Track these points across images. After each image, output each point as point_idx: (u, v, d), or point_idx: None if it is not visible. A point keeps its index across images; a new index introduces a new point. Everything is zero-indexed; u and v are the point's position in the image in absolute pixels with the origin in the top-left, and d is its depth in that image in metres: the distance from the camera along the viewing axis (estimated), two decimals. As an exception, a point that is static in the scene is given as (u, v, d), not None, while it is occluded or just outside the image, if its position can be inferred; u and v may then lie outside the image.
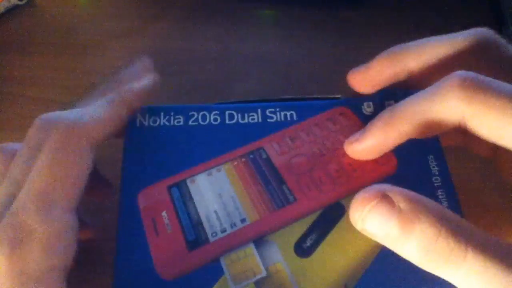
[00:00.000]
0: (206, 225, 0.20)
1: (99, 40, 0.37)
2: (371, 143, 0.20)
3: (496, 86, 0.17)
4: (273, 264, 0.19)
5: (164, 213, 0.21)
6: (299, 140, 0.22)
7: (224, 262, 0.19)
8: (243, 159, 0.22)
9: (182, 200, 0.21)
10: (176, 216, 0.20)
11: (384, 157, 0.21)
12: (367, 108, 0.23)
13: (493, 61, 0.21)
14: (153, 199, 0.21)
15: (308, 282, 0.19)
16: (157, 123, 0.23)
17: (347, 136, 0.21)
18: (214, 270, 0.19)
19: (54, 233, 0.17)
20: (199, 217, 0.20)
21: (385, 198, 0.17)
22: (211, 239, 0.20)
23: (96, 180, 0.24)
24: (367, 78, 0.21)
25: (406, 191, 0.17)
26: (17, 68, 0.36)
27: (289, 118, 0.23)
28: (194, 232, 0.20)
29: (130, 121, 0.22)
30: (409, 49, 0.20)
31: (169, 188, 0.21)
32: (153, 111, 0.23)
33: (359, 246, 0.19)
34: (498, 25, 0.37)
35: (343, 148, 0.22)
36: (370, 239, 0.18)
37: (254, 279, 0.19)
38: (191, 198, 0.21)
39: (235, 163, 0.22)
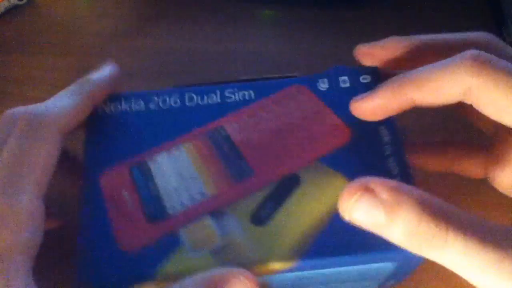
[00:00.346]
0: (165, 200, 0.21)
1: (99, 40, 0.37)
2: (377, 103, 0.21)
3: (506, 65, 0.18)
4: (230, 233, 0.20)
5: (125, 192, 0.21)
6: (258, 117, 0.23)
7: (182, 233, 0.20)
8: (202, 138, 0.23)
9: (143, 179, 0.22)
10: (137, 194, 0.21)
11: (338, 129, 0.22)
12: (322, 85, 0.24)
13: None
14: (114, 179, 0.22)
15: (264, 250, 0.20)
16: (118, 109, 0.23)
17: (303, 112, 0.23)
18: (173, 241, 0.20)
19: (19, 217, 0.18)
20: (159, 193, 0.21)
21: (367, 190, 0.18)
22: (170, 212, 0.21)
23: (72, 168, 0.25)
24: (371, 110, 0.22)
25: (387, 181, 0.18)
26: (17, 68, 0.36)
27: (247, 98, 0.24)
28: (153, 207, 0.21)
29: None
30: (413, 81, 0.19)
31: (131, 168, 0.22)
32: (114, 98, 0.24)
33: (313, 214, 0.21)
34: (498, 25, 0.37)
35: (299, 124, 0.23)
36: (323, 208, 0.20)
37: (211, 248, 0.20)
38: (151, 177, 0.22)
39: (195, 142, 0.23)
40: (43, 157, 0.20)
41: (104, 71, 0.24)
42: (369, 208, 0.18)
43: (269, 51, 0.37)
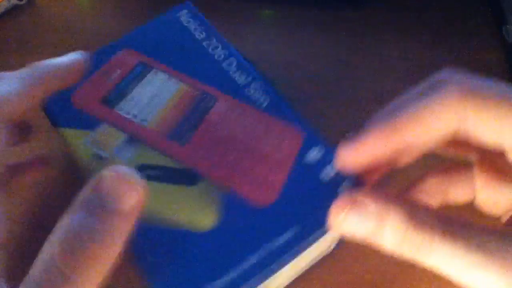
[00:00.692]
0: (126, 100, 0.24)
1: (99, 40, 0.37)
2: (369, 151, 0.20)
3: (493, 87, 0.18)
4: (124, 157, 0.23)
5: (117, 71, 0.25)
6: (241, 120, 0.24)
7: (101, 126, 0.23)
8: (194, 91, 0.24)
9: (136, 76, 0.25)
10: (120, 80, 0.25)
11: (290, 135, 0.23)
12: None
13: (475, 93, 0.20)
14: (125, 57, 0.26)
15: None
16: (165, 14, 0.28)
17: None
18: (94, 124, 0.23)
19: None
20: (129, 93, 0.24)
21: (355, 203, 0.18)
22: (118, 109, 0.24)
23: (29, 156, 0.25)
24: (362, 160, 0.20)
25: (374, 193, 0.19)
26: (17, 68, 0.36)
27: (262, 100, 0.24)
28: (115, 97, 0.24)
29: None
30: (406, 122, 0.19)
31: (138, 62, 0.25)
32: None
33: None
34: (498, 25, 0.37)
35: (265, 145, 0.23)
36: None
37: (100, 153, 0.23)
38: (141, 78, 0.25)
39: (189, 88, 0.25)
40: None
41: (64, 58, 0.23)
42: (358, 221, 0.18)
43: (269, 51, 0.37)
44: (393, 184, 0.23)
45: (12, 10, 0.39)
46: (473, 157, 0.23)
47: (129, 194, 0.17)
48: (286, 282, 0.24)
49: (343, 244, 0.26)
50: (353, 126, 0.34)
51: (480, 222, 0.18)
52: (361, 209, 0.18)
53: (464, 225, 0.17)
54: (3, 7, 0.38)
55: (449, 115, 0.18)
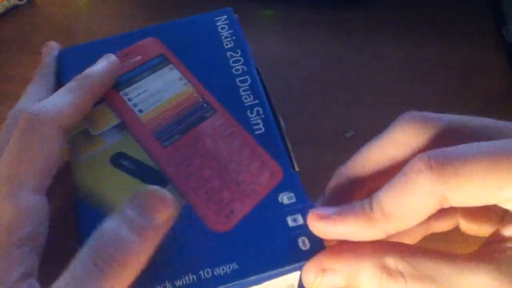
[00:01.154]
0: (133, 87, 0.25)
1: (99, 40, 0.37)
2: (341, 232, 0.19)
3: (460, 153, 0.17)
4: (111, 141, 0.23)
5: (134, 59, 0.25)
6: (228, 141, 0.23)
7: (103, 104, 0.24)
8: (198, 95, 0.24)
9: (152, 67, 0.25)
10: (135, 67, 0.25)
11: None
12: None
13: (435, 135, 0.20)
14: (148, 44, 0.26)
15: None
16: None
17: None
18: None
19: (20, 214, 0.18)
20: (140, 81, 0.25)
21: (325, 270, 0.19)
22: (121, 93, 0.24)
23: None
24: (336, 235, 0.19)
25: (341, 253, 0.19)
26: (17, 68, 0.36)
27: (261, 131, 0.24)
28: (124, 81, 0.25)
29: None
30: (385, 217, 0.18)
31: (161, 53, 0.26)
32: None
33: None
34: (498, 25, 0.37)
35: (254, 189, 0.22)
36: None
37: (92, 131, 0.23)
38: (155, 71, 0.25)
39: (194, 90, 0.25)
40: (44, 154, 0.20)
41: (102, 64, 0.24)
42: (332, 284, 0.19)
43: (269, 51, 0.37)
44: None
45: (12, 10, 0.39)
46: None
47: (163, 211, 0.18)
48: None
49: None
50: (353, 126, 0.35)
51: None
52: (332, 275, 0.19)
53: (436, 262, 0.18)
54: (3, 7, 0.38)
55: (428, 203, 0.18)
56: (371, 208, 0.18)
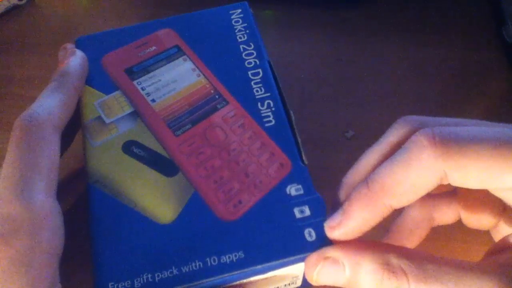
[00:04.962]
0: (148, 76, 0.25)
1: (99, 40, 0.37)
2: (354, 225, 0.19)
3: (465, 134, 0.17)
4: (122, 129, 0.24)
5: (150, 50, 0.26)
6: (240, 133, 0.24)
7: (117, 93, 0.25)
8: (211, 86, 0.25)
9: (167, 58, 0.26)
10: (149, 57, 0.26)
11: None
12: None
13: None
14: (167, 34, 0.27)
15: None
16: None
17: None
18: (112, 88, 0.25)
19: (37, 218, 0.18)
20: (154, 70, 0.25)
21: (327, 259, 0.19)
22: (135, 82, 0.25)
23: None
24: (349, 233, 0.19)
25: (345, 247, 0.19)
26: (17, 68, 0.36)
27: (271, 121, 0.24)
28: (139, 71, 0.25)
29: None
30: (386, 190, 0.18)
31: (175, 46, 0.26)
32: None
33: None
34: (498, 25, 0.37)
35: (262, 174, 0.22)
36: None
37: (104, 119, 0.24)
38: (170, 62, 0.26)
39: (206, 82, 0.25)
40: (47, 156, 0.20)
41: (74, 60, 0.25)
42: (333, 276, 0.19)
43: (269, 51, 0.37)
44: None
45: (12, 10, 0.39)
46: (453, 188, 0.23)
47: None
48: None
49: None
50: (353, 126, 0.35)
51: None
52: (333, 265, 0.18)
53: (440, 265, 0.17)
54: (3, 7, 0.38)
55: (429, 178, 0.18)
56: (367, 186, 0.18)
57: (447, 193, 0.23)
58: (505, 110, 0.33)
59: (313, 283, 0.19)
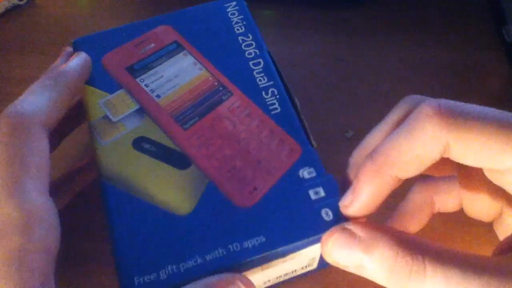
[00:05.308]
0: (150, 73, 0.25)
1: (99, 40, 0.37)
2: (365, 200, 0.19)
3: (470, 109, 0.18)
4: (130, 126, 0.24)
5: (149, 47, 0.26)
6: (248, 121, 0.24)
7: (120, 92, 0.25)
8: (214, 79, 0.25)
9: (167, 54, 0.26)
10: (152, 52, 0.26)
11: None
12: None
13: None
14: (169, 30, 0.27)
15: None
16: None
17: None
18: (115, 87, 0.25)
19: (29, 217, 0.18)
20: (155, 67, 0.26)
21: (344, 230, 0.19)
22: (137, 79, 0.25)
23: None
24: (362, 209, 0.19)
25: (363, 222, 0.19)
26: (17, 68, 0.36)
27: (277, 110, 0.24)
28: (140, 68, 0.25)
29: None
30: (391, 161, 0.18)
31: (174, 41, 0.27)
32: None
33: None
34: (498, 25, 0.37)
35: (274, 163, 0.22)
36: None
37: (112, 117, 0.24)
38: (170, 58, 0.26)
39: (209, 76, 0.25)
40: (36, 154, 0.19)
41: (75, 61, 0.24)
42: (347, 247, 0.18)
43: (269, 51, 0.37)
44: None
45: (12, 10, 0.39)
46: (456, 172, 0.23)
47: None
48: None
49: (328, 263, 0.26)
50: (353, 126, 0.35)
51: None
52: (349, 236, 0.18)
53: (458, 252, 0.17)
54: (3, 7, 0.38)
55: (431, 145, 0.18)
56: (372, 159, 0.19)
57: (449, 178, 0.23)
58: (505, 109, 0.33)
59: (327, 258, 0.19)
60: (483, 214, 0.23)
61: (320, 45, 0.37)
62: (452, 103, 0.18)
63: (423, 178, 0.24)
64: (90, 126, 0.24)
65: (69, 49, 0.27)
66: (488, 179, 0.19)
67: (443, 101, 0.18)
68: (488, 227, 0.23)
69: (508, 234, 0.20)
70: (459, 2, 0.39)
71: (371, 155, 0.19)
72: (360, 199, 0.19)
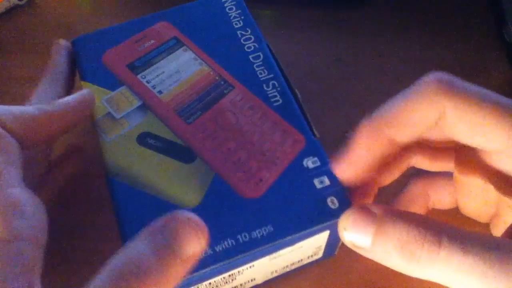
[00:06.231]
0: (151, 70, 0.25)
1: (99, 40, 0.37)
2: (358, 160, 0.19)
3: (472, 86, 0.18)
4: (133, 122, 0.24)
5: (149, 43, 0.26)
6: (250, 113, 0.24)
7: (122, 88, 0.25)
8: (215, 73, 0.25)
9: (167, 50, 0.26)
10: (152, 48, 0.26)
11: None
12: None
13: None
14: (165, 27, 0.27)
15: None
16: None
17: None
18: (115, 84, 0.25)
19: (7, 206, 0.17)
20: (157, 62, 0.26)
21: (361, 208, 0.18)
22: (139, 75, 0.25)
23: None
24: (356, 168, 0.20)
25: (381, 204, 0.19)
26: (17, 68, 0.36)
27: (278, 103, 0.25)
28: (141, 63, 0.26)
29: None
30: (388, 121, 0.19)
31: (173, 37, 0.27)
32: None
33: None
34: (498, 25, 0.37)
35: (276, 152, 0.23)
36: None
37: (114, 113, 0.24)
38: (170, 54, 0.26)
39: (209, 70, 0.25)
40: (8, 149, 0.19)
41: (76, 95, 0.24)
42: (363, 224, 0.18)
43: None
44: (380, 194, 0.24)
45: (12, 10, 0.39)
46: (452, 168, 0.23)
47: (195, 242, 0.17)
48: (261, 278, 0.24)
49: (333, 252, 0.26)
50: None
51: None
52: (365, 212, 0.18)
53: (474, 231, 0.17)
54: (3, 7, 0.38)
55: (427, 108, 0.18)
56: (370, 118, 0.19)
57: (445, 175, 0.24)
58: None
59: (342, 235, 0.19)
60: (478, 212, 0.23)
61: (320, 45, 0.37)
62: (454, 77, 0.18)
63: (420, 173, 0.24)
64: (93, 123, 0.24)
65: (62, 42, 0.27)
66: (483, 174, 0.20)
67: (445, 74, 0.19)
68: (485, 227, 0.23)
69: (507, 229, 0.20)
70: (460, 2, 0.39)
71: (371, 115, 0.19)
72: (353, 156, 0.19)
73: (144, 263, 0.16)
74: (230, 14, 0.28)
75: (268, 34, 0.39)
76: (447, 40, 0.37)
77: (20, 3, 0.39)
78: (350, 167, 0.20)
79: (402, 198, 0.24)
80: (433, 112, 0.18)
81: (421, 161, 0.24)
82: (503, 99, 0.18)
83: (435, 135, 0.21)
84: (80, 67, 0.26)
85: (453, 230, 0.17)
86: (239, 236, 0.20)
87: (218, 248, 0.20)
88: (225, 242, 0.20)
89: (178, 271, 0.17)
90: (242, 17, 0.28)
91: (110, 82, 0.25)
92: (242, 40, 0.27)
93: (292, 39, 0.38)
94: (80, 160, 0.28)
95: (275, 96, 0.24)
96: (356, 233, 0.18)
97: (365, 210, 0.18)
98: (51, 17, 0.39)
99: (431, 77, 0.18)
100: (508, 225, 0.20)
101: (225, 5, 0.28)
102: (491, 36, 0.37)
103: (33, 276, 0.16)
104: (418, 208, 0.24)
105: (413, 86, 0.19)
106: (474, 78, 0.35)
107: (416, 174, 0.25)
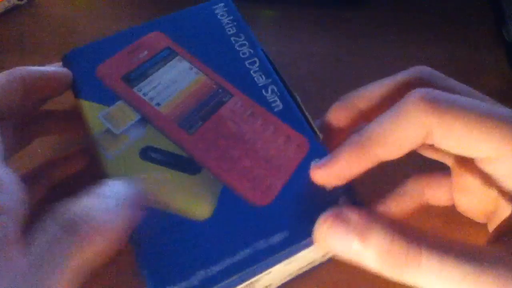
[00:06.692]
0: (146, 81, 0.25)
1: (99, 40, 0.37)
2: (341, 168, 0.20)
3: (457, 99, 0.18)
4: (132, 137, 0.24)
5: (142, 54, 0.26)
6: (251, 120, 0.24)
7: (119, 102, 0.24)
8: (212, 82, 0.25)
9: (161, 60, 0.26)
10: (145, 59, 0.25)
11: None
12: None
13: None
14: (160, 37, 0.26)
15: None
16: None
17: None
18: (113, 98, 0.24)
19: None
20: (151, 75, 0.25)
21: (339, 216, 0.18)
22: (134, 88, 0.25)
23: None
24: (336, 176, 0.20)
25: (358, 207, 0.19)
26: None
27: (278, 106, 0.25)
28: (136, 76, 0.25)
29: None
30: (374, 139, 0.19)
31: (167, 47, 0.26)
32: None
33: None
34: (498, 25, 0.37)
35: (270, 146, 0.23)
36: None
37: (112, 129, 0.24)
38: (165, 64, 0.25)
39: (206, 78, 0.25)
40: None
41: (51, 67, 0.24)
42: (341, 233, 0.18)
43: (269, 51, 0.37)
44: (376, 188, 0.24)
45: (12, 10, 0.39)
46: (449, 164, 0.24)
47: None
48: (277, 283, 0.24)
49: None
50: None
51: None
52: (344, 222, 0.18)
53: (454, 241, 0.17)
54: (3, 7, 0.38)
55: (413, 128, 0.18)
56: (360, 135, 0.19)
57: (442, 172, 0.24)
58: (505, 110, 0.33)
59: (322, 247, 0.19)
60: (475, 210, 0.23)
61: (320, 45, 0.37)
62: (440, 92, 0.19)
63: (417, 173, 0.25)
64: (92, 140, 0.23)
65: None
66: (480, 173, 0.20)
67: (429, 89, 0.19)
68: (483, 227, 0.23)
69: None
70: (459, 2, 0.39)
71: (360, 132, 0.19)
72: (335, 166, 0.20)
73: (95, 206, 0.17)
74: (222, 21, 0.27)
75: (268, 34, 0.39)
76: (447, 40, 0.37)
77: (20, 3, 0.39)
78: (327, 174, 0.20)
79: (396, 193, 0.24)
80: (419, 131, 0.18)
81: (423, 151, 0.24)
82: (491, 108, 0.18)
83: (426, 145, 0.21)
84: (74, 83, 0.25)
85: (432, 239, 0.17)
86: (256, 244, 0.20)
87: (237, 258, 0.20)
88: (244, 251, 0.20)
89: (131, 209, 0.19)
90: (235, 23, 0.27)
91: (106, 96, 0.24)
92: (236, 47, 0.26)
93: (292, 39, 0.38)
94: (82, 164, 0.28)
95: (276, 101, 0.24)
96: (335, 243, 0.18)
97: (342, 218, 0.18)
98: (51, 17, 0.39)
99: (416, 95, 0.18)
100: (503, 223, 0.20)
101: (217, 11, 0.28)
102: (491, 35, 0.37)
103: (9, 249, 0.16)
104: (410, 202, 0.24)
105: (398, 105, 0.19)
106: (474, 78, 0.35)
107: (415, 172, 0.25)
